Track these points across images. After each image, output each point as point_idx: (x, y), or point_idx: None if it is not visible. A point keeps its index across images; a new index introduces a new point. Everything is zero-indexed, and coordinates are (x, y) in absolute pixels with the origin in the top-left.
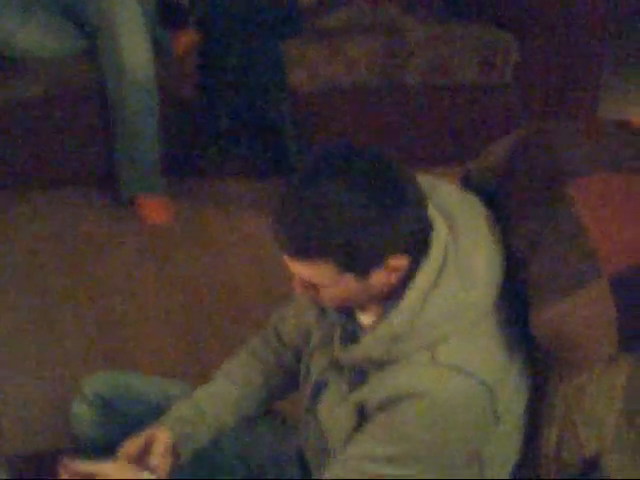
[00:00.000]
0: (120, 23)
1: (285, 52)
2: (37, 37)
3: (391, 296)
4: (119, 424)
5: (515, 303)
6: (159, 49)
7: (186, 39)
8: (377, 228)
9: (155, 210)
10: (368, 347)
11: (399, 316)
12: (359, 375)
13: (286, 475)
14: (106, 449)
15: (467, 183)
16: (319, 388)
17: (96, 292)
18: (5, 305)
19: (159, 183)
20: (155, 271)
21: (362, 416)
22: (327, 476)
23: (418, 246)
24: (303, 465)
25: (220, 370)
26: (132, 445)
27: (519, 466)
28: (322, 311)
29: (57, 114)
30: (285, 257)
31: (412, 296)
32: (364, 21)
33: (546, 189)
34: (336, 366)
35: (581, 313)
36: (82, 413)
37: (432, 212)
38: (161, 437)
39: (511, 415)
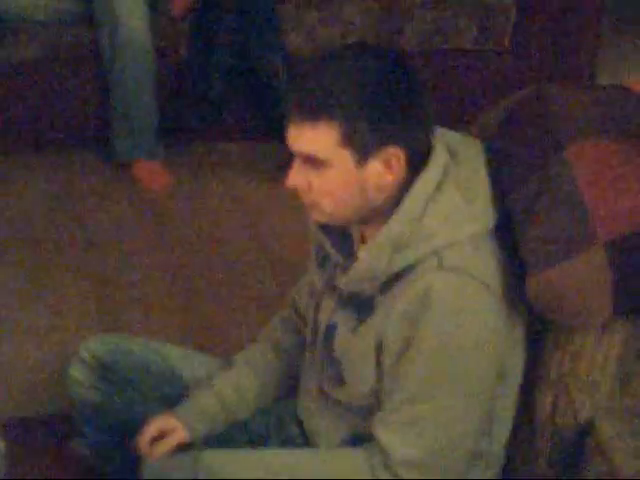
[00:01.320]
0: None
1: (281, 16)
2: (33, 0)
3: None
4: (116, 387)
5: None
6: (156, 11)
7: (182, 1)
8: (389, 105)
9: (151, 175)
10: (369, 257)
11: (398, 221)
12: (365, 305)
13: (287, 434)
14: (103, 412)
15: None
16: (330, 331)
17: (91, 253)
18: (3, 270)
19: (156, 148)
20: (150, 232)
21: (381, 354)
22: (384, 441)
23: (417, 154)
24: (301, 423)
25: (241, 357)
26: (149, 431)
27: (514, 430)
28: (323, 260)
29: (53, 77)
30: (291, 128)
31: (410, 202)
32: None
33: (542, 154)
34: (342, 305)
35: (576, 278)
36: (79, 376)
37: (434, 139)
38: (177, 437)
39: (514, 367)
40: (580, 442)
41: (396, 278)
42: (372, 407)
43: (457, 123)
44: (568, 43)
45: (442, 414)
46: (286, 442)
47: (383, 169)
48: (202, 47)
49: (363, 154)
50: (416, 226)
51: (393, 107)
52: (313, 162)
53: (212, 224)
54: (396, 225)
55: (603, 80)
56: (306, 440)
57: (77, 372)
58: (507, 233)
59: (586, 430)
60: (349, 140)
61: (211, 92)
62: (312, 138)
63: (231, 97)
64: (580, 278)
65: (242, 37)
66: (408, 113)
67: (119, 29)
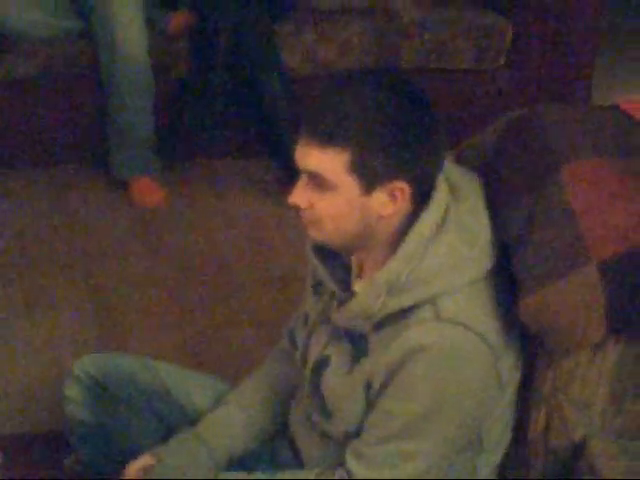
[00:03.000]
0: (114, 3)
1: (279, 35)
2: (32, 16)
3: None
4: (110, 406)
5: (506, 288)
6: (153, 29)
7: (180, 19)
8: (403, 139)
9: (147, 192)
10: (365, 297)
11: (397, 263)
12: (359, 343)
13: (279, 458)
14: (97, 431)
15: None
16: (321, 365)
17: (87, 271)
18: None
19: (152, 165)
20: (146, 249)
21: (369, 392)
22: (350, 465)
23: (423, 190)
24: (294, 448)
25: (234, 397)
26: (130, 474)
27: (508, 450)
28: (319, 287)
29: (52, 93)
30: (302, 146)
31: (411, 244)
32: (359, 4)
33: (536, 173)
34: (336, 339)
35: (569, 298)
36: (73, 395)
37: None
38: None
39: (509, 390)
40: (573, 461)
41: (391, 318)
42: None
43: (453, 142)
44: (564, 63)
45: (417, 456)
46: (279, 466)
47: (387, 200)
48: (200, 65)
49: (370, 184)
50: (415, 269)
51: (406, 142)
52: (319, 183)
53: (208, 240)
54: (395, 267)
55: (599, 100)
56: (299, 465)
57: (71, 391)
58: (504, 260)
59: (579, 449)
60: (358, 168)
61: (209, 110)
62: (321, 159)
63: (228, 115)
64: (573, 298)
65: (240, 56)
66: (420, 149)
67: (117, 46)
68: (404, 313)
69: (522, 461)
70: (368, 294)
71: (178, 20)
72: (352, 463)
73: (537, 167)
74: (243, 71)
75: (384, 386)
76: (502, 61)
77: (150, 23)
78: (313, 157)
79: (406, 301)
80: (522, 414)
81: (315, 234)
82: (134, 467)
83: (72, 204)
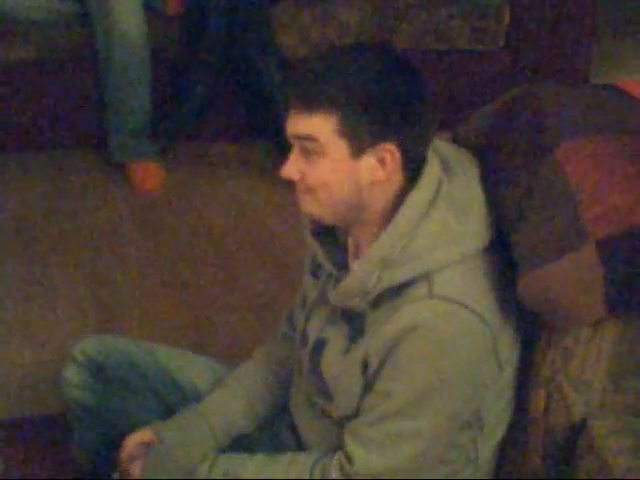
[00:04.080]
0: None
1: (276, 16)
2: (28, 0)
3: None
4: (110, 389)
5: (503, 266)
6: (150, 10)
7: (177, 1)
8: (389, 102)
9: (145, 175)
10: (360, 273)
11: (389, 238)
12: (356, 322)
13: (280, 441)
14: (97, 414)
15: (457, 146)
16: (319, 346)
17: (87, 253)
18: None
19: (150, 149)
20: (144, 233)
21: (366, 373)
22: (350, 448)
23: (413, 157)
24: (294, 431)
25: (233, 378)
26: (128, 447)
27: (508, 430)
28: (317, 270)
29: (49, 77)
30: (291, 114)
31: (402, 219)
32: None
33: (533, 152)
34: (334, 319)
35: (568, 276)
36: (73, 377)
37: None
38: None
39: (508, 369)
40: (573, 440)
41: (386, 295)
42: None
43: (450, 123)
44: (562, 43)
45: (416, 435)
46: (279, 449)
47: (376, 164)
48: (194, 47)
49: (358, 146)
50: (408, 244)
51: (393, 104)
52: (308, 149)
53: (206, 224)
54: (387, 241)
55: (597, 80)
56: (300, 447)
57: (71, 374)
58: (501, 239)
59: (579, 428)
60: (346, 130)
61: (204, 92)
62: (310, 123)
63: (223, 97)
64: (572, 276)
65: (235, 37)
66: (407, 113)
67: (114, 29)
68: (399, 290)
69: (522, 439)
70: (362, 269)
71: (174, 1)
72: (350, 444)
73: (534, 145)
74: (237, 52)
75: (380, 366)
76: (501, 42)
77: (147, 4)
78: (302, 122)
79: (400, 276)
80: (522, 394)
81: (309, 207)
82: (133, 440)
83: (70, 188)
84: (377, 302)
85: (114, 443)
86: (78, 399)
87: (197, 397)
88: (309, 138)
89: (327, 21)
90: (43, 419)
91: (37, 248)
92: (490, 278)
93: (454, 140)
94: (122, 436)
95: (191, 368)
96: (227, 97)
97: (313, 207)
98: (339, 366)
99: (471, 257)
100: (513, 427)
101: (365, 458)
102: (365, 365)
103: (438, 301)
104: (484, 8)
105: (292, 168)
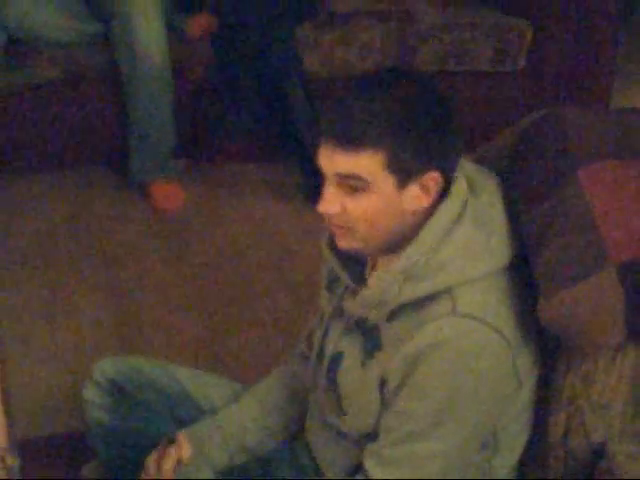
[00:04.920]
0: (135, 7)
1: (299, 36)
2: (52, 20)
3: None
4: (129, 409)
5: (524, 286)
6: (174, 33)
7: (200, 22)
8: (429, 130)
9: (166, 196)
10: (381, 283)
11: (415, 251)
12: (371, 335)
13: (299, 461)
14: (116, 434)
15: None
16: (335, 360)
17: (108, 273)
18: (18, 287)
19: (172, 169)
20: (167, 253)
21: (384, 390)
22: (372, 471)
23: (448, 178)
24: (310, 452)
25: (250, 395)
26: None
27: (527, 451)
28: (333, 284)
29: (72, 97)
30: (330, 151)
31: (428, 233)
32: (378, 6)
33: (556, 175)
34: (349, 332)
35: (589, 301)
36: (92, 397)
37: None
38: (182, 451)
39: (526, 389)
40: (593, 463)
41: (407, 309)
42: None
43: (473, 145)
44: (584, 65)
45: (439, 456)
46: (298, 470)
47: (421, 193)
48: (221, 69)
49: (405, 178)
50: (431, 258)
51: (434, 132)
52: (352, 185)
53: (228, 244)
54: (412, 254)
55: (619, 103)
56: (317, 469)
57: (91, 394)
58: (522, 262)
59: (598, 451)
60: (393, 165)
61: (230, 113)
62: (356, 162)
63: (249, 118)
64: (593, 301)
65: (261, 59)
66: (446, 139)
67: (137, 50)
68: (420, 305)
69: (542, 463)
70: (384, 280)
71: (198, 23)
72: (372, 467)
73: (556, 169)
74: (263, 75)
75: (401, 384)
76: (522, 63)
77: (171, 26)
78: (347, 161)
79: (422, 290)
80: (542, 416)
81: (347, 242)
82: (152, 459)
83: (92, 207)
84: (394, 315)
85: (133, 463)
86: (97, 419)
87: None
88: (355, 177)
89: (349, 42)
90: (61, 438)
91: (59, 267)
92: (510, 296)
93: (477, 161)
94: (140, 457)
95: (212, 390)
96: (252, 117)
97: (353, 241)
98: (355, 380)
99: (492, 275)
100: (533, 450)
101: (385, 477)
102: (383, 381)
103: (461, 318)
104: (506, 30)
105: (332, 202)
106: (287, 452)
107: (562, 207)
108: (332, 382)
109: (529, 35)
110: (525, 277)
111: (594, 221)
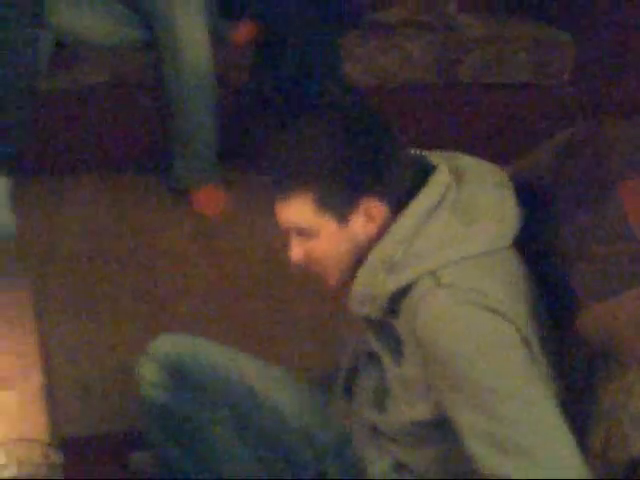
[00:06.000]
0: (179, 14)
1: (342, 45)
2: (97, 24)
3: None
4: (186, 390)
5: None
6: (217, 40)
7: (245, 30)
8: (352, 162)
9: (208, 201)
10: (363, 278)
11: (388, 243)
12: (390, 333)
13: (345, 457)
14: (170, 413)
15: (516, 181)
16: (372, 360)
17: (147, 276)
18: (62, 288)
19: (215, 174)
20: (206, 257)
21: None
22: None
23: (397, 193)
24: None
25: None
26: None
27: None
28: None
29: (116, 101)
30: (276, 206)
31: (401, 225)
32: (422, 17)
33: (594, 189)
34: (373, 330)
35: (629, 312)
36: (148, 375)
37: (438, 161)
38: None
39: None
40: (632, 476)
41: (398, 299)
42: (413, 439)
43: (512, 157)
44: (627, 78)
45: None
46: (345, 464)
47: (366, 221)
48: (264, 75)
49: (342, 214)
50: (409, 247)
51: (360, 163)
52: (301, 233)
53: (270, 250)
54: (387, 246)
55: None
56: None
57: (146, 370)
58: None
59: (638, 463)
60: (324, 206)
61: (271, 120)
62: (289, 212)
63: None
64: (634, 312)
65: (303, 67)
66: (377, 164)
67: (180, 56)
68: (408, 291)
69: None
70: (365, 274)
71: (242, 30)
72: (483, 455)
73: (595, 183)
74: (306, 84)
75: (431, 371)
76: (566, 77)
77: (214, 33)
78: (282, 211)
79: (404, 278)
80: (580, 428)
81: (331, 282)
82: None
83: (134, 210)
84: (394, 308)
85: (182, 445)
86: (151, 396)
87: (273, 408)
88: (296, 226)
89: (391, 52)
90: (104, 437)
91: (99, 268)
92: (506, 274)
93: (515, 174)
94: (191, 439)
95: (270, 378)
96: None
97: (330, 279)
98: (392, 377)
99: (481, 258)
100: None
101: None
102: (417, 376)
103: (445, 289)
104: (549, 42)
105: (297, 254)
106: (335, 446)
107: (600, 220)
108: (369, 379)
109: (572, 48)
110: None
111: (632, 234)
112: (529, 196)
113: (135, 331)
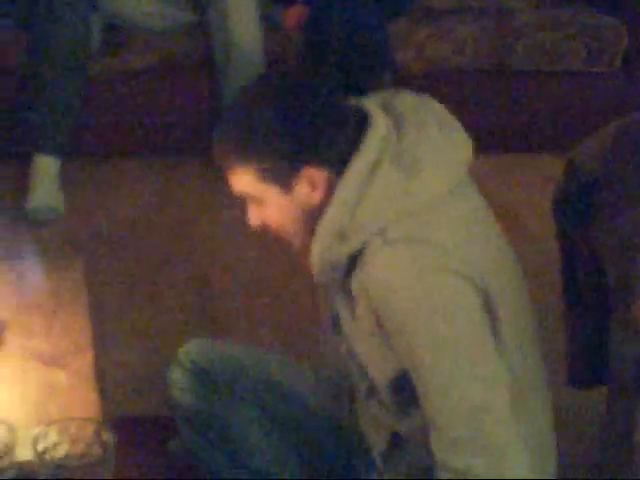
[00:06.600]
0: None
1: (393, 31)
2: (148, 9)
3: None
4: (215, 394)
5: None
6: (269, 24)
7: (296, 14)
8: (282, 135)
9: None
10: (317, 249)
11: (333, 212)
12: (348, 290)
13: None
14: (200, 416)
15: (570, 171)
16: (335, 321)
17: (194, 261)
18: (107, 273)
19: None
20: (256, 246)
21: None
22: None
23: (338, 158)
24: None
25: None
26: None
27: (609, 451)
28: None
29: (166, 84)
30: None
31: (343, 191)
32: (474, 2)
33: None
34: (338, 294)
35: None
36: (178, 379)
37: (374, 113)
38: None
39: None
40: None
41: (354, 261)
42: (402, 406)
43: (564, 146)
44: None
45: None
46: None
47: (310, 189)
48: (314, 61)
49: (284, 183)
50: (354, 213)
51: (289, 135)
52: (252, 200)
53: None
54: (334, 212)
55: None
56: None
57: (176, 375)
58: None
59: None
60: (265, 176)
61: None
62: (235, 181)
63: None
64: None
65: (352, 52)
66: (311, 132)
67: (231, 40)
68: (362, 252)
69: (626, 463)
70: (318, 245)
71: (294, 15)
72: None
73: None
74: (355, 70)
75: (386, 331)
76: (617, 64)
77: (266, 18)
78: (233, 181)
79: (355, 243)
80: (625, 415)
81: (295, 245)
82: None
83: (183, 194)
84: (350, 269)
85: (216, 446)
86: (181, 401)
87: (302, 407)
88: (245, 194)
89: (443, 38)
90: (155, 418)
91: (145, 252)
92: (457, 219)
93: (569, 165)
94: (224, 440)
95: (295, 374)
96: None
97: (293, 242)
98: (353, 333)
99: (429, 206)
100: (617, 449)
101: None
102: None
103: (392, 245)
104: (601, 29)
105: (253, 218)
106: (359, 440)
107: None
108: (350, 350)
109: (624, 35)
110: None
111: None
112: (583, 186)
113: (178, 318)
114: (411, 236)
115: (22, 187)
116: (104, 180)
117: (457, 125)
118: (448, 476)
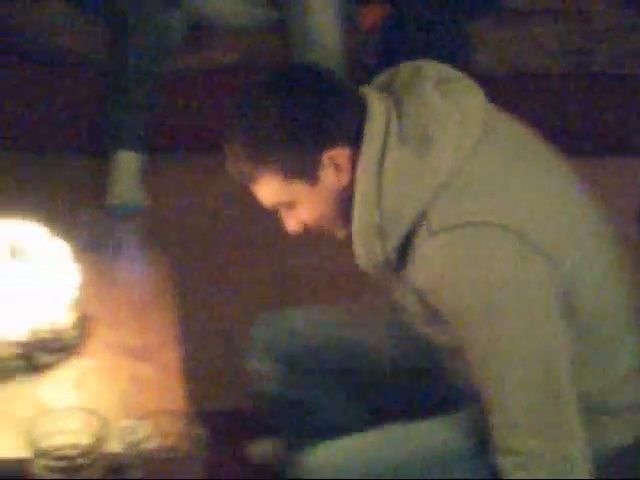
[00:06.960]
0: None
1: (471, 33)
2: (229, 6)
3: None
4: (296, 376)
5: None
6: (348, 24)
7: (374, 14)
8: (296, 126)
9: None
10: (360, 251)
11: (360, 211)
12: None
13: None
14: (287, 404)
15: None
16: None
17: (271, 251)
18: (198, 264)
19: None
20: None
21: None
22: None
23: (352, 134)
24: None
25: None
26: None
27: None
28: None
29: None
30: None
31: (360, 187)
32: (553, 5)
33: None
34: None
35: None
36: (255, 368)
37: (371, 95)
38: None
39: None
40: None
41: (405, 250)
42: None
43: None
44: None
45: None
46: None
47: (336, 173)
48: (392, 60)
49: (310, 175)
50: (383, 205)
51: (308, 126)
52: (285, 206)
53: None
54: (360, 215)
55: None
56: None
57: (252, 364)
58: None
59: None
60: (290, 175)
61: None
62: (264, 192)
63: None
64: None
65: (430, 51)
66: (324, 119)
67: (310, 39)
68: (409, 243)
69: None
70: (359, 249)
71: (373, 14)
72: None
73: None
74: None
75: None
76: None
77: (347, 18)
78: (260, 194)
79: (396, 238)
80: None
81: (339, 235)
82: None
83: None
84: (403, 259)
85: (311, 431)
86: (262, 390)
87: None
88: (273, 204)
89: (524, 41)
90: (247, 412)
91: (222, 244)
92: (497, 165)
93: None
94: (320, 424)
95: (360, 320)
96: None
97: (336, 233)
98: (418, 322)
99: (458, 171)
100: None
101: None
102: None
103: (438, 235)
104: None
105: (291, 224)
106: None
107: None
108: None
109: None
110: None
111: None
112: None
113: (255, 310)
114: (453, 221)
115: (105, 183)
116: (187, 175)
117: (458, 76)
118: (506, 460)
